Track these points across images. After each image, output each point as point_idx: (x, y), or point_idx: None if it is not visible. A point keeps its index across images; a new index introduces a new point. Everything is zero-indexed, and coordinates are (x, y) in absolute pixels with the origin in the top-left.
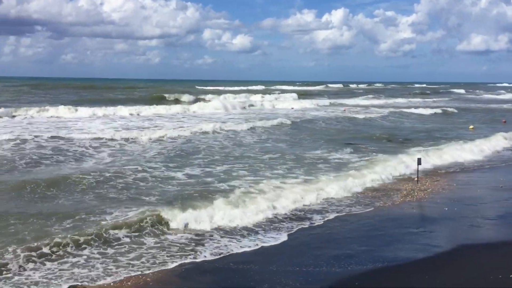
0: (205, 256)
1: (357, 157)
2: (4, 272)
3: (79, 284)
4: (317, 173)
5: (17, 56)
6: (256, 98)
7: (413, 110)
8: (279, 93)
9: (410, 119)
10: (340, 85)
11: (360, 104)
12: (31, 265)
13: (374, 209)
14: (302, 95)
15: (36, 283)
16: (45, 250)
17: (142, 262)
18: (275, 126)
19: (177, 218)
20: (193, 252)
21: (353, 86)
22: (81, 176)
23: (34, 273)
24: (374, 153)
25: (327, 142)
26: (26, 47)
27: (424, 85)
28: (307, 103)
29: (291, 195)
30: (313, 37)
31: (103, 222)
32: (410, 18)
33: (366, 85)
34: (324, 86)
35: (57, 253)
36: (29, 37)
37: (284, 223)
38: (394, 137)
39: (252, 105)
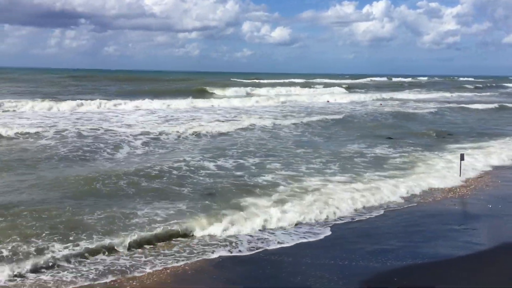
0: (240, 250)
1: (397, 153)
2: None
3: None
4: (354, 168)
5: (62, 49)
6: (297, 91)
7: (471, 106)
8: (323, 87)
9: (460, 114)
10: (384, 78)
11: (407, 98)
12: (64, 254)
13: (414, 205)
14: (348, 88)
15: (71, 272)
16: (79, 241)
17: (178, 252)
18: (315, 121)
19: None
20: (229, 245)
21: (396, 79)
22: (118, 167)
23: (67, 264)
24: (416, 149)
25: (369, 137)
26: (70, 39)
27: (470, 79)
28: (352, 97)
29: (336, 195)
30: (353, 29)
31: (136, 219)
32: (454, 10)
33: (410, 78)
34: (368, 79)
35: (90, 243)
36: (73, 30)
37: (321, 220)
38: (441, 133)
39: (289, 100)
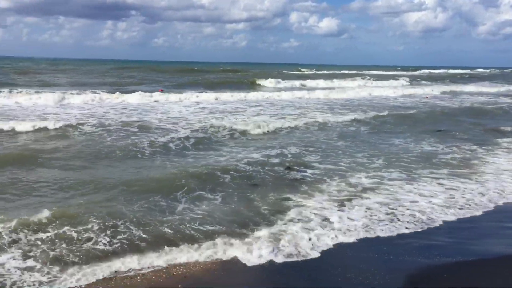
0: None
1: (448, 148)
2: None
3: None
4: (402, 163)
5: (113, 40)
6: (351, 83)
7: None
8: (375, 80)
9: None
10: (441, 70)
11: (470, 91)
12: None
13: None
14: (410, 81)
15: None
16: (120, 228)
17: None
18: (369, 117)
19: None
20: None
21: (454, 71)
22: (162, 160)
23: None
24: (469, 145)
25: (426, 131)
26: (122, 31)
27: None
28: (412, 90)
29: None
30: (403, 20)
31: (169, 217)
32: None
33: (469, 70)
34: (422, 71)
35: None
36: (125, 22)
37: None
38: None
39: (348, 93)
